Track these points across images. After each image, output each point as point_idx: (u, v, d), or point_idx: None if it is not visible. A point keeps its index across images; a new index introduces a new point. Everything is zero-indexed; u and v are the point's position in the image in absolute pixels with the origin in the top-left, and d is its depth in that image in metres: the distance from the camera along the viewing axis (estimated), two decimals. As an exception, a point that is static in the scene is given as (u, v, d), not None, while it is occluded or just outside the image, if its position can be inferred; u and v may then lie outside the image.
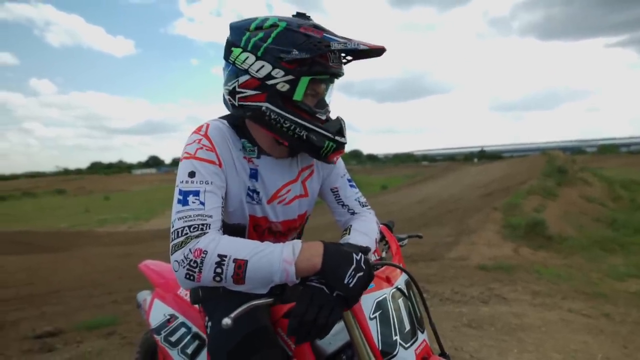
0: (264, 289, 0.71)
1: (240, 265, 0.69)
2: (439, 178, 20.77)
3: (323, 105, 0.88)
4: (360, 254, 0.72)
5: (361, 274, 0.69)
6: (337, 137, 0.85)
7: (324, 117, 0.88)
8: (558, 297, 3.21)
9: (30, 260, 6.44)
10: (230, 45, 0.85)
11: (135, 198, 26.93)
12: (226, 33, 0.88)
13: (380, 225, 1.07)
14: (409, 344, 0.75)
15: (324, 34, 0.79)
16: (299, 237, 1.11)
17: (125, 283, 4.47)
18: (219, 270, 0.70)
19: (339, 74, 0.86)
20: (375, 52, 0.84)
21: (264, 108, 0.82)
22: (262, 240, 0.76)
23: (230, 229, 0.93)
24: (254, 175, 0.92)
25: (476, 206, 8.12)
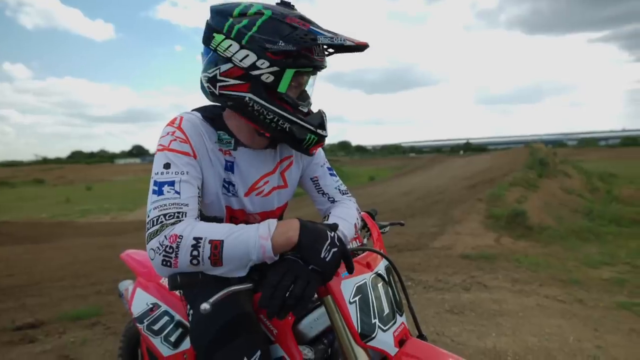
0: (243, 271, 0.72)
1: (217, 246, 0.69)
2: (425, 170, 21.05)
3: (305, 98, 0.89)
4: (333, 232, 0.74)
5: (335, 249, 0.70)
6: (319, 130, 0.86)
7: (306, 110, 0.88)
8: (536, 284, 3.34)
9: (10, 252, 6.26)
10: (211, 31, 0.81)
11: (119, 188, 26.33)
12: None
13: (363, 213, 1.09)
14: (387, 327, 0.77)
15: (310, 27, 0.78)
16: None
17: (109, 274, 4.40)
18: (195, 252, 0.69)
19: (322, 67, 0.85)
20: (357, 47, 0.82)
21: (247, 99, 0.81)
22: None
23: (207, 221, 0.93)
24: (229, 167, 0.92)
25: (461, 197, 8.29)
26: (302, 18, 0.80)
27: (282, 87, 0.80)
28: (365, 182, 18.78)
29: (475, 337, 2.33)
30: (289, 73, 0.78)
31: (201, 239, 0.70)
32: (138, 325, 1.26)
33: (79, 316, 2.99)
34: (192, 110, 0.95)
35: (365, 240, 1.03)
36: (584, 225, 6.26)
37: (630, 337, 2.36)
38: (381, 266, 0.85)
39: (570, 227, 6.04)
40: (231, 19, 0.79)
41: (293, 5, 0.85)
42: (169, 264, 0.71)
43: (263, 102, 0.80)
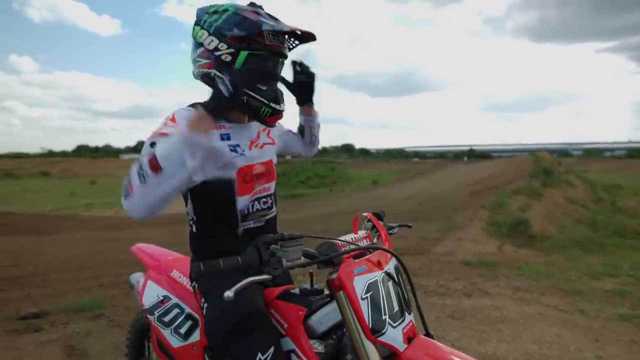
0: (184, 170, 0.83)
1: (152, 160, 0.83)
2: (429, 175, 21.03)
3: (267, 80, 1.03)
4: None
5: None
6: (272, 104, 1.02)
7: (264, 88, 1.01)
8: (537, 293, 3.34)
9: (14, 243, 6.31)
10: (194, 25, 1.05)
11: (123, 183, 26.40)
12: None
13: (369, 214, 1.12)
14: (397, 323, 0.80)
15: (260, 18, 0.97)
16: (274, 196, 1.19)
17: (112, 267, 4.44)
18: (139, 170, 0.83)
19: (279, 53, 1.02)
20: (310, 36, 1.03)
21: (212, 74, 1.02)
22: (251, 188, 1.06)
23: (218, 184, 1.03)
24: (227, 137, 1.07)
25: (464, 204, 8.29)
26: (258, 13, 0.99)
27: (237, 64, 0.98)
28: (368, 186, 18.78)
29: (476, 343, 2.34)
30: (242, 54, 0.97)
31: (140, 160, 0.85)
32: (149, 316, 1.29)
33: (82, 308, 3.03)
34: (188, 105, 1.06)
35: (374, 240, 1.06)
36: (587, 235, 6.24)
37: (631, 348, 2.36)
38: (391, 265, 0.88)
39: (573, 237, 6.02)
40: (207, 15, 1.02)
41: (259, 5, 1.04)
42: (128, 194, 0.85)
43: (223, 77, 1.00)
